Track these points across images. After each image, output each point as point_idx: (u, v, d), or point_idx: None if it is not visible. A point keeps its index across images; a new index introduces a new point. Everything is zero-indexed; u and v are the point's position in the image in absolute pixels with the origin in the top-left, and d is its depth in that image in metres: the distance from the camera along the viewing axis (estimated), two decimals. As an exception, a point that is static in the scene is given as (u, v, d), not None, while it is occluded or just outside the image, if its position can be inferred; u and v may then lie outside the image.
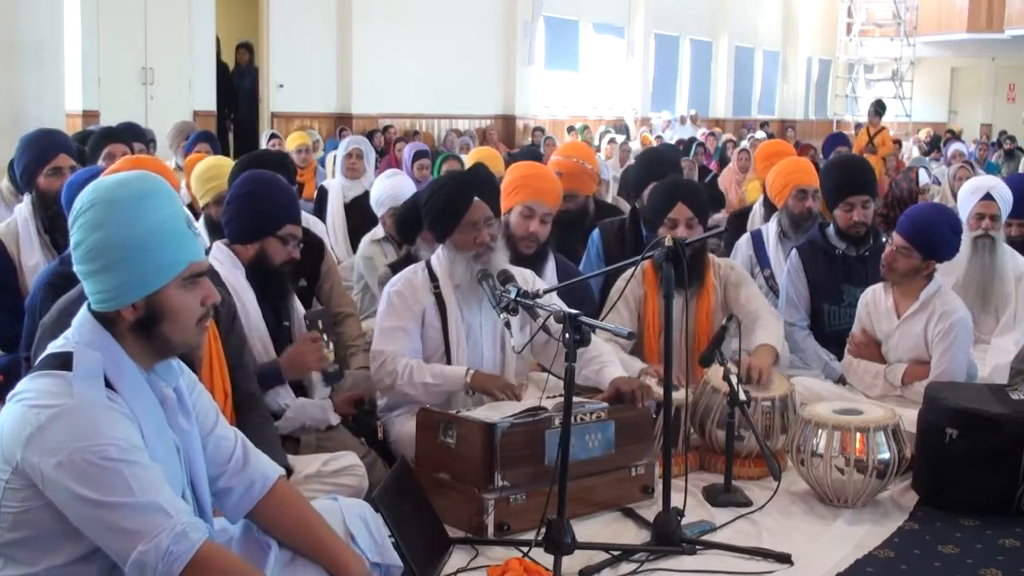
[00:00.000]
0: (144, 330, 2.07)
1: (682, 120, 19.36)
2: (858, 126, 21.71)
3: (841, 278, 4.63)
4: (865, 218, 4.61)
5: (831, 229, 4.71)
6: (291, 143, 9.19)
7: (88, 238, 2.03)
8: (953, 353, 4.05)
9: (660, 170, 5.05)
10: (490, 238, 3.64)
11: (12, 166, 5.48)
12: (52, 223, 4.22)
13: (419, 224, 4.23)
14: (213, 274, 2.46)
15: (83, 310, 2.10)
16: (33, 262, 4.16)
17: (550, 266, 4.34)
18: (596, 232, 5.02)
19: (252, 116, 12.83)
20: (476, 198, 3.65)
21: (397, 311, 3.67)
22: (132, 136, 6.03)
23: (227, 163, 4.87)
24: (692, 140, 12.70)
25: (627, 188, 6.79)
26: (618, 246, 4.91)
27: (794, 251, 4.74)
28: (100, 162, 5.20)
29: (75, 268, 2.08)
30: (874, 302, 4.30)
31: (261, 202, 3.46)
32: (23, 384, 2.02)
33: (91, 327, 2.07)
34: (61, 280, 3.21)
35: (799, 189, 5.18)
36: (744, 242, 5.32)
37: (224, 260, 3.44)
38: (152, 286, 2.04)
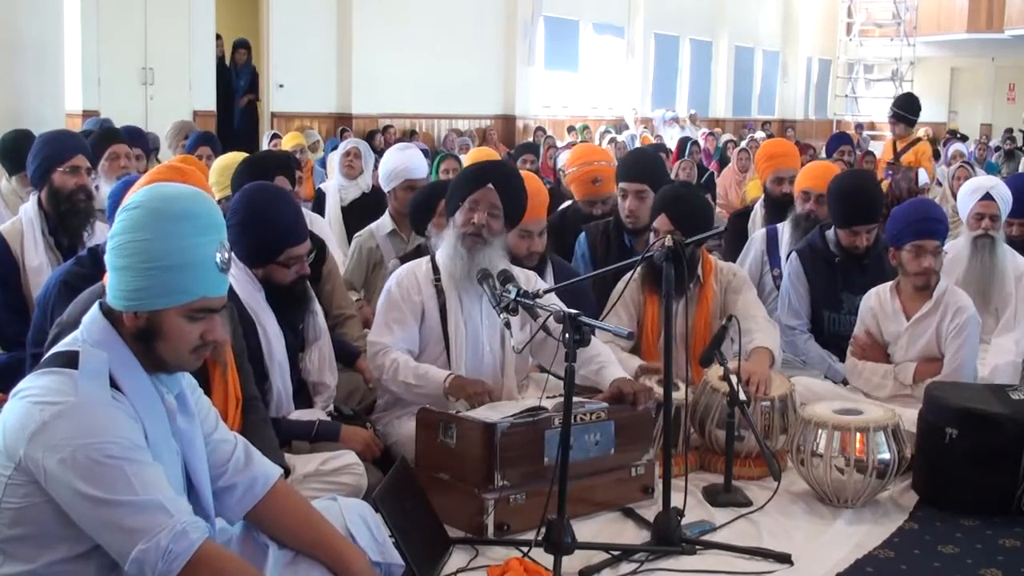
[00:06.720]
0: (141, 341, 2.08)
1: (677, 121, 19.27)
2: (859, 126, 21.73)
3: (841, 286, 4.61)
4: (869, 241, 4.58)
5: (831, 233, 4.66)
6: (286, 143, 9.20)
7: (126, 235, 2.06)
8: (967, 348, 4.09)
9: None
10: (485, 227, 3.63)
11: (11, 163, 5.51)
12: (60, 222, 4.20)
13: (430, 210, 4.41)
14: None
15: (94, 309, 2.12)
16: (36, 262, 4.15)
17: (548, 268, 4.33)
18: (583, 235, 4.99)
19: (250, 115, 12.74)
20: (490, 184, 3.67)
21: (396, 303, 3.68)
22: (131, 138, 6.02)
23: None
24: (687, 140, 12.71)
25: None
26: (603, 249, 4.88)
27: (794, 255, 4.71)
28: (103, 162, 5.23)
29: (106, 256, 2.11)
30: (879, 304, 4.28)
31: (254, 232, 3.31)
32: (27, 381, 2.03)
33: (101, 327, 2.08)
34: (77, 280, 3.21)
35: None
36: (759, 237, 5.33)
37: (240, 277, 3.33)
38: (157, 304, 2.06)
